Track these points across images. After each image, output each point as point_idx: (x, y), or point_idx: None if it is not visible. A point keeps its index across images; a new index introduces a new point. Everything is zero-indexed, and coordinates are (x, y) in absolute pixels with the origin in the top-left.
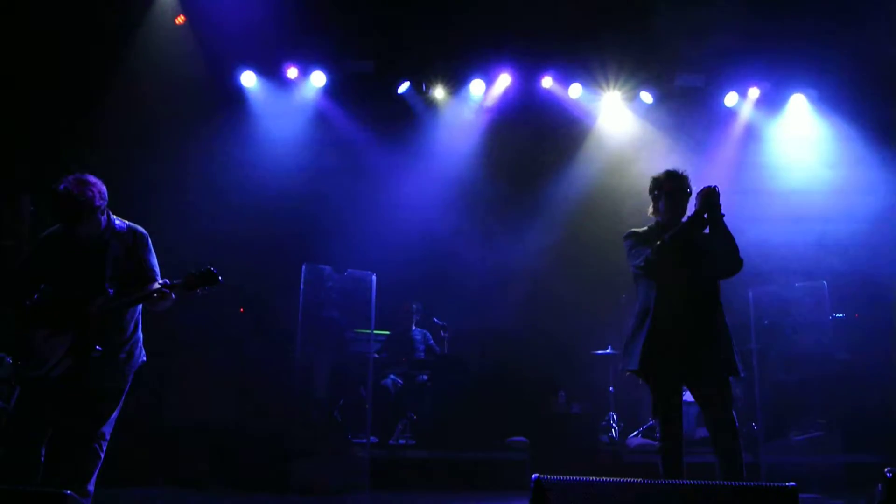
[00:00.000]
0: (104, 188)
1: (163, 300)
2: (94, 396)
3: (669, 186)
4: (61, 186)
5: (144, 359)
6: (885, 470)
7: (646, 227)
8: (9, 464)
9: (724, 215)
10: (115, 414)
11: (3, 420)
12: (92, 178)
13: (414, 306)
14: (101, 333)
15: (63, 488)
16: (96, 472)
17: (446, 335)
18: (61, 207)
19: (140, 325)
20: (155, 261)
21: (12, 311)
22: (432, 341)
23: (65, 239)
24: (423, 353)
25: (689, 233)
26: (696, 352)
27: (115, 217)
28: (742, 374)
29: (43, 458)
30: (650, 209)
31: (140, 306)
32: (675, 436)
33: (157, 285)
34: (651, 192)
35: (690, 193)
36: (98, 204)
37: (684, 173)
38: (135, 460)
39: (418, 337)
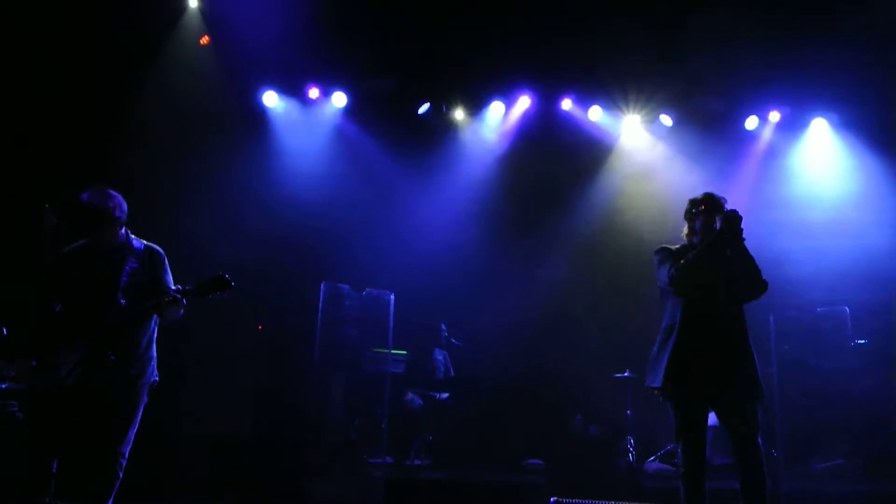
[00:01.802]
0: (124, 203)
1: (175, 306)
2: (106, 409)
3: (708, 208)
4: (83, 197)
5: (157, 378)
6: None
7: (678, 245)
8: (21, 474)
9: (745, 238)
10: (132, 432)
11: (19, 430)
12: (113, 192)
13: (443, 326)
14: (114, 343)
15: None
16: (114, 492)
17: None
18: (82, 217)
19: (154, 345)
20: (171, 279)
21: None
22: (450, 364)
23: (83, 253)
24: (442, 375)
25: (711, 254)
26: (721, 372)
27: (133, 236)
28: (764, 401)
29: (55, 471)
30: (685, 230)
31: (155, 326)
32: (698, 460)
33: (170, 293)
34: (688, 212)
35: None
36: (118, 215)
37: (723, 197)
38: (150, 475)
39: (440, 358)
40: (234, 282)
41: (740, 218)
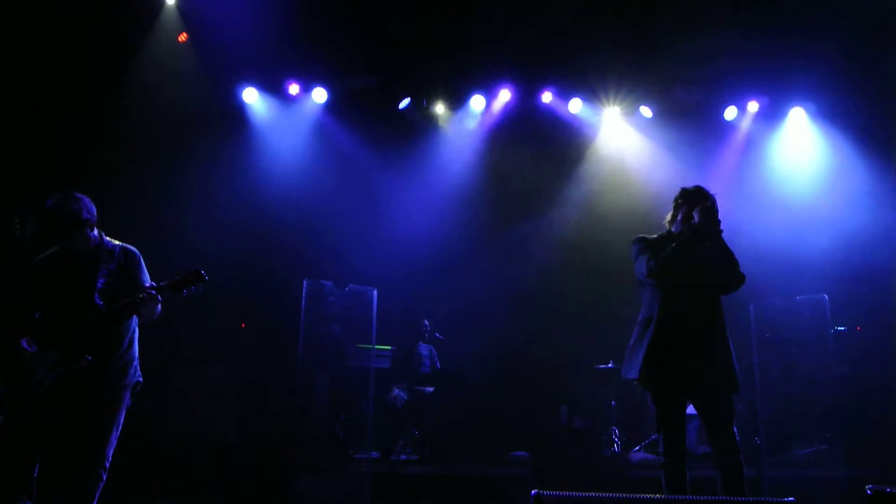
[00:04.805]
0: (92, 204)
1: (150, 303)
2: (86, 412)
3: (696, 200)
4: (47, 203)
5: (140, 379)
6: (867, 487)
7: (656, 235)
8: (1, 478)
9: (722, 230)
10: (114, 435)
11: None
12: (78, 195)
13: (425, 322)
14: (91, 345)
15: None
16: (97, 495)
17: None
18: (48, 223)
19: (136, 345)
20: (147, 278)
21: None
22: (437, 357)
23: (56, 258)
24: (428, 369)
25: (689, 246)
26: (698, 363)
27: (107, 238)
28: (740, 390)
29: (37, 475)
30: (668, 217)
31: (135, 327)
32: (678, 450)
33: (144, 290)
34: (676, 200)
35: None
36: (85, 217)
37: (713, 194)
38: (136, 475)
39: (425, 352)
40: (209, 276)
41: (716, 209)
